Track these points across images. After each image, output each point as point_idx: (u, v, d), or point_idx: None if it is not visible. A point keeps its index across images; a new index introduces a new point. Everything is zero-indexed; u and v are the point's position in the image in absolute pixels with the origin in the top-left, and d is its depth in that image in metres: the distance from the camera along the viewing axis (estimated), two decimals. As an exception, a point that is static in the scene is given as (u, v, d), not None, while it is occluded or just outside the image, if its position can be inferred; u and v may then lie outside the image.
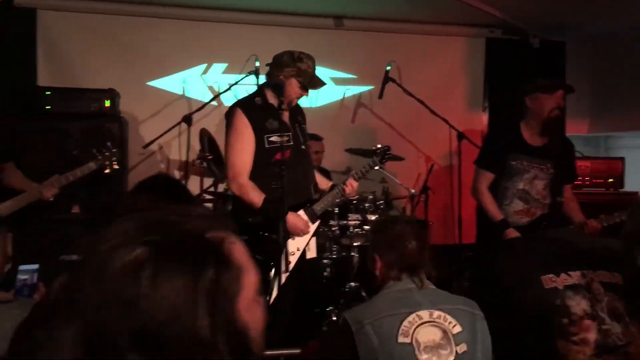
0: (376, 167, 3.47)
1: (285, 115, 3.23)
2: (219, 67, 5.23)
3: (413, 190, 4.65)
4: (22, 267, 2.28)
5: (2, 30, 4.65)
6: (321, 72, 5.40)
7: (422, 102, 4.61)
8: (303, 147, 3.27)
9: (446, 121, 4.52)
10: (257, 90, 3.35)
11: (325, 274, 4.28)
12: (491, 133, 3.82)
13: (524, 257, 2.13)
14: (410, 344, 1.85)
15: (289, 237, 3.17)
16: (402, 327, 1.86)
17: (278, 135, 3.12)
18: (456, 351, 1.86)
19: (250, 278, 0.86)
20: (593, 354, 1.80)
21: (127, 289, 0.77)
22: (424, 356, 1.83)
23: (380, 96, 4.75)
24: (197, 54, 5.17)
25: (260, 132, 3.11)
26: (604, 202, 3.74)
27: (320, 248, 4.50)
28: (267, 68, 3.32)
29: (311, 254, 3.31)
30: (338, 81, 5.52)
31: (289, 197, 3.03)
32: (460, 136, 4.45)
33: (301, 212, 3.22)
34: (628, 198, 4.74)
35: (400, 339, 1.85)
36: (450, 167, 5.33)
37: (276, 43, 4.81)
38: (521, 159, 3.55)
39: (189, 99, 5.13)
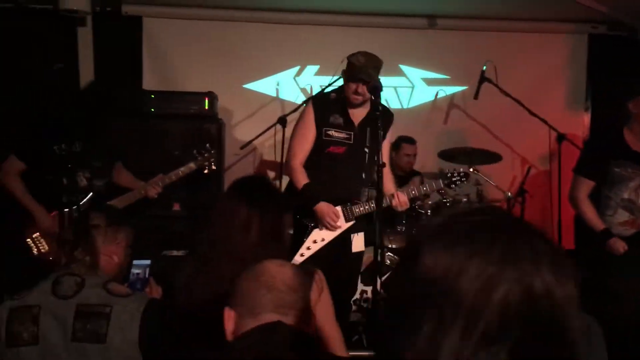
0: (440, 191, 3.59)
1: (358, 115, 3.34)
2: (311, 69, 5.31)
3: (509, 193, 4.51)
4: (136, 262, 2.42)
5: (111, 37, 4.97)
6: (413, 72, 5.45)
7: (519, 103, 4.46)
8: (366, 149, 3.32)
9: (545, 122, 4.35)
10: (338, 87, 3.50)
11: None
12: (592, 138, 3.60)
13: (630, 264, 2.02)
14: None
15: (317, 226, 3.29)
16: None
17: (337, 130, 3.31)
18: None
19: None
20: None
21: None
22: None
23: (476, 96, 4.65)
24: (291, 56, 5.27)
25: (321, 124, 3.30)
26: None
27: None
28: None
29: (356, 248, 3.39)
30: (430, 82, 5.45)
31: (331, 190, 3.23)
32: (561, 138, 4.27)
33: (338, 208, 3.31)
34: None
35: None
36: (550, 170, 5.12)
37: (368, 44, 4.79)
38: (625, 165, 3.31)
39: (282, 101, 5.24)
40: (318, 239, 3.32)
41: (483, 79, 4.61)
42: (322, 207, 3.25)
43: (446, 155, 4.66)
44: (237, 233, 1.92)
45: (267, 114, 4.94)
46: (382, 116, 3.32)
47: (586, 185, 3.39)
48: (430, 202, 4.36)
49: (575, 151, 4.69)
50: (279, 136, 4.24)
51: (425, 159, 5.08)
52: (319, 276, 1.81)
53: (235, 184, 2.12)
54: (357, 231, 3.39)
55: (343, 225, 3.33)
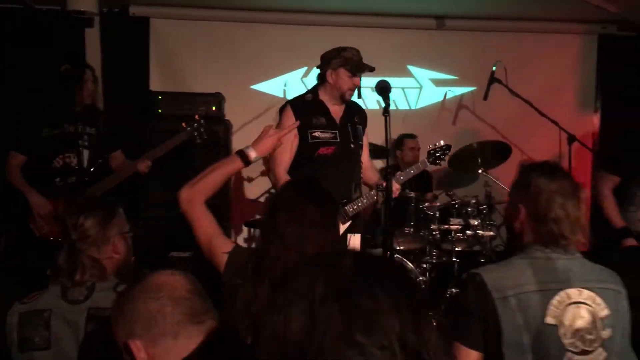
0: (426, 168, 3.48)
1: (337, 113, 3.33)
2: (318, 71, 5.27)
3: (518, 195, 4.46)
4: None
5: (119, 38, 4.97)
6: (421, 73, 5.42)
7: (529, 104, 4.41)
8: (352, 145, 3.30)
9: (556, 123, 4.30)
10: (311, 88, 3.48)
11: (424, 278, 4.20)
12: (621, 135, 3.62)
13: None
14: (556, 325, 1.66)
15: None
16: (551, 307, 1.66)
17: (322, 131, 3.25)
18: (602, 337, 1.68)
19: None
20: None
21: None
22: (569, 340, 1.65)
23: (485, 97, 4.61)
24: (298, 57, 5.25)
25: (305, 127, 3.22)
26: None
27: (420, 252, 4.45)
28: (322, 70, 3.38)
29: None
30: (439, 82, 5.42)
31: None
32: (571, 139, 4.22)
33: None
34: None
35: (548, 320, 1.66)
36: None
37: (376, 45, 4.81)
38: None
39: (290, 102, 5.21)
40: None
41: (493, 79, 4.57)
42: None
43: (455, 158, 4.57)
44: (313, 230, 1.88)
45: (275, 115, 4.91)
46: (357, 111, 3.44)
47: (611, 181, 3.43)
48: (438, 204, 4.32)
49: (585, 152, 4.65)
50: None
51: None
52: None
53: (290, 182, 2.23)
54: (355, 232, 3.32)
55: (339, 226, 3.29)
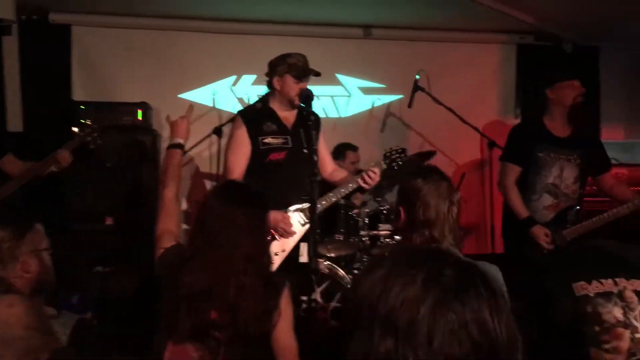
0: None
1: (288, 119, 3.35)
2: (248, 79, 5.28)
3: (444, 199, 4.59)
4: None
5: (38, 46, 4.80)
6: (350, 81, 5.50)
7: (452, 111, 4.56)
8: (305, 150, 3.25)
9: (477, 129, 4.47)
10: (262, 97, 3.53)
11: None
12: (515, 127, 3.80)
13: (555, 265, 2.09)
14: None
15: (274, 238, 3.21)
16: None
17: (273, 137, 3.28)
18: None
19: None
20: (626, 362, 1.75)
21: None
22: None
23: (410, 105, 4.73)
24: (227, 66, 5.23)
25: (255, 135, 3.26)
26: (643, 210, 3.65)
27: (350, 258, 4.51)
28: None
29: (303, 258, 3.27)
30: (367, 91, 5.52)
31: (280, 198, 3.16)
32: (492, 144, 4.39)
33: (288, 213, 3.25)
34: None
35: None
36: (482, 176, 5.25)
37: (305, 53, 4.80)
38: (548, 150, 3.52)
39: (219, 111, 5.19)
40: (279, 250, 3.25)
41: (416, 87, 4.70)
42: (272, 215, 3.17)
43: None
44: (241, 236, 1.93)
45: (204, 124, 4.86)
46: (309, 115, 3.32)
47: (513, 171, 3.58)
48: (367, 210, 4.39)
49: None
50: (215, 147, 4.19)
51: (364, 167, 5.12)
52: (287, 289, 1.96)
53: (215, 190, 2.29)
54: (305, 240, 3.30)
55: (299, 230, 3.28)
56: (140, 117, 4.49)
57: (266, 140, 3.28)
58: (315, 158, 3.31)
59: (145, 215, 4.20)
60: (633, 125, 5.77)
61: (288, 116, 3.36)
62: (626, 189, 3.62)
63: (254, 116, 3.34)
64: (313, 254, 2.82)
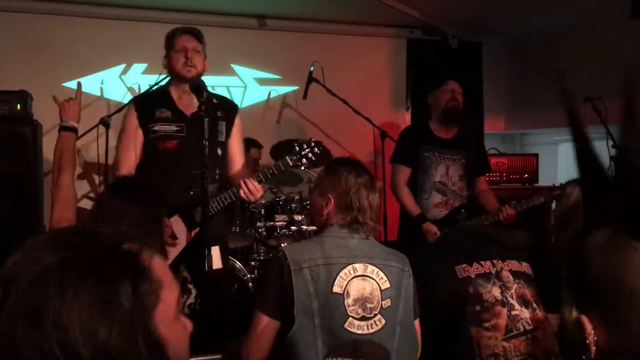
0: (284, 169, 3.00)
1: (187, 106, 2.99)
2: (138, 68, 5.09)
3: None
4: None
5: None
6: (245, 72, 5.45)
7: (345, 102, 4.65)
8: (205, 141, 2.68)
9: (369, 120, 4.59)
10: (164, 84, 3.22)
11: (252, 276, 4.24)
12: (403, 131, 4.03)
13: (440, 250, 2.21)
14: (342, 294, 1.94)
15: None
16: (338, 278, 1.95)
17: (163, 124, 2.94)
18: (381, 305, 1.96)
19: (169, 293, 0.85)
20: (503, 338, 1.89)
21: (33, 301, 0.75)
22: (351, 307, 1.94)
23: (305, 96, 4.77)
24: (116, 54, 5.01)
25: (146, 122, 2.95)
26: (520, 197, 3.92)
27: (247, 250, 4.49)
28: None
29: (216, 264, 2.80)
30: (263, 82, 5.50)
31: (169, 195, 2.72)
32: (383, 135, 4.53)
33: (174, 218, 2.88)
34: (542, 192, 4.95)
35: (335, 289, 1.94)
36: (375, 166, 5.40)
37: (198, 43, 4.74)
38: (432, 150, 3.74)
39: (107, 100, 4.97)
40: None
41: (311, 79, 4.74)
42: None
43: (277, 150, 4.71)
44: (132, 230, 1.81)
45: (91, 114, 4.61)
46: (222, 107, 3.09)
47: (403, 172, 3.78)
48: (263, 202, 4.38)
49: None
50: (103, 138, 4.01)
51: (262, 158, 5.11)
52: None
53: (110, 186, 2.18)
54: (215, 244, 2.80)
55: (186, 236, 2.89)
56: (18, 106, 4.18)
57: (155, 128, 2.94)
58: (220, 150, 3.03)
59: (25, 207, 3.96)
60: (512, 117, 6.17)
61: (187, 102, 2.99)
62: (493, 200, 3.82)
63: (148, 102, 3.05)
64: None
